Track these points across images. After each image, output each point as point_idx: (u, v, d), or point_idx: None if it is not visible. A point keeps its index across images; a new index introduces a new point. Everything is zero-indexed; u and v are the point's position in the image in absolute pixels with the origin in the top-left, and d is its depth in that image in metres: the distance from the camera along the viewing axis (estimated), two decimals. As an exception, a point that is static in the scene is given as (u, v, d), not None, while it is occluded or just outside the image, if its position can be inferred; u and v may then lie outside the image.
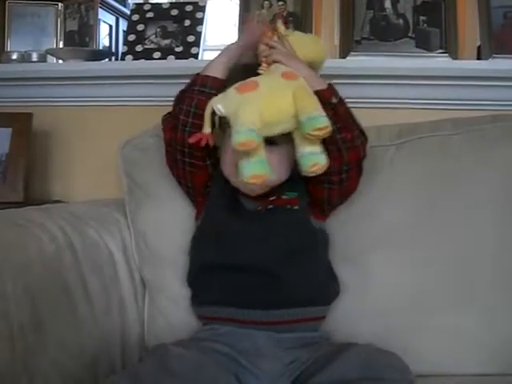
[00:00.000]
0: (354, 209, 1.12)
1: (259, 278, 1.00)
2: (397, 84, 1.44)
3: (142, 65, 1.59)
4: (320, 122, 0.90)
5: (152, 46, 1.63)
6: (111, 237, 1.19)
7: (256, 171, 0.92)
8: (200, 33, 1.61)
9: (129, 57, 1.62)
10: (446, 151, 1.16)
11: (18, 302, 0.89)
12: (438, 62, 1.45)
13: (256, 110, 0.90)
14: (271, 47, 1.03)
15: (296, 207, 1.05)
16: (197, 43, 1.59)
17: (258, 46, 1.05)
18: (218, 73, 1.02)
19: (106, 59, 1.76)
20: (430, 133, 1.19)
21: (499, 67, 1.38)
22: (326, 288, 1.07)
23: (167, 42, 1.62)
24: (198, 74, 1.05)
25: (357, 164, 1.03)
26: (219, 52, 1.07)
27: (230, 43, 1.09)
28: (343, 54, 1.49)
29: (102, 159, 1.62)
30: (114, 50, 1.82)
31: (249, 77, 0.96)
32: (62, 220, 1.10)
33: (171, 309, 1.16)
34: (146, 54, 1.61)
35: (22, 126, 1.61)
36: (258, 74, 1.00)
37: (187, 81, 1.48)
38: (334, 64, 1.39)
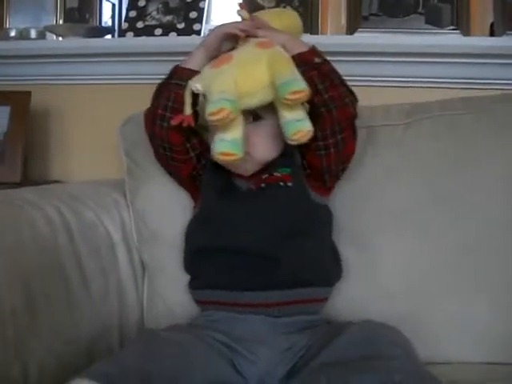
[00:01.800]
0: (359, 188, 1.10)
1: (255, 260, 0.97)
2: (406, 62, 1.40)
3: (143, 42, 1.56)
4: (295, 85, 0.88)
5: (153, 22, 1.60)
6: (110, 218, 1.16)
7: (226, 149, 0.91)
8: (203, 9, 1.57)
9: (129, 33, 1.59)
10: (456, 131, 1.13)
11: (10, 285, 0.87)
12: (449, 38, 1.42)
13: (229, 80, 0.89)
14: (245, 30, 1.01)
15: (290, 184, 1.02)
16: (199, 19, 1.56)
17: (235, 35, 1.02)
18: (196, 65, 1.00)
19: (107, 36, 1.72)
20: (439, 112, 1.16)
21: (513, 44, 1.34)
22: (327, 268, 1.04)
23: (169, 18, 1.59)
24: (177, 65, 1.03)
25: (349, 123, 0.99)
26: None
27: (207, 34, 1.07)
28: (350, 31, 1.45)
29: (101, 138, 1.59)
30: (116, 28, 1.78)
31: None
32: (58, 201, 1.08)
33: (171, 291, 1.13)
34: (147, 31, 1.58)
35: (21, 104, 1.59)
36: None
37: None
38: (340, 41, 1.36)
